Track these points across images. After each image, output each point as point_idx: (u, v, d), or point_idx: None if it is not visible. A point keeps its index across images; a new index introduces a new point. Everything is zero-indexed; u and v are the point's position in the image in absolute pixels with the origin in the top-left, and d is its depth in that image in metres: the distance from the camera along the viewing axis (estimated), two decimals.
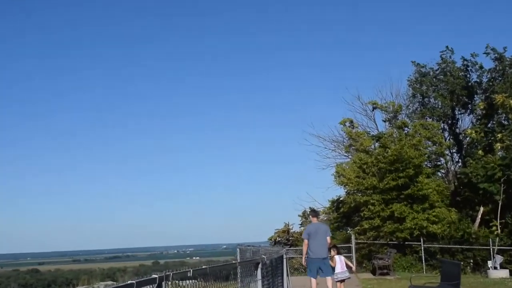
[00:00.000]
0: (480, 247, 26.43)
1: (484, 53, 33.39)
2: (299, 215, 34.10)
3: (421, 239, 26.55)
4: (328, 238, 14.66)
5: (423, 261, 26.41)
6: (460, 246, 26.96)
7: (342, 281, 15.23)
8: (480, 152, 30.48)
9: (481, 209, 28.93)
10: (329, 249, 15.37)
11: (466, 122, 35.52)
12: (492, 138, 30.69)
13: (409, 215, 27.40)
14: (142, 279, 4.50)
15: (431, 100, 35.20)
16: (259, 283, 8.13)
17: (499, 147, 29.60)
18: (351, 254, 26.80)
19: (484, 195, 28.62)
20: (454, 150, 35.31)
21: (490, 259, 23.99)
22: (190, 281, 6.24)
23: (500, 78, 33.14)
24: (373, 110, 36.00)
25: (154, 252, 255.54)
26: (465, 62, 34.21)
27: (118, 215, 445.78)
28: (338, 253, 15.65)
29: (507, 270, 22.70)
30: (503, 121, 32.10)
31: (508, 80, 32.15)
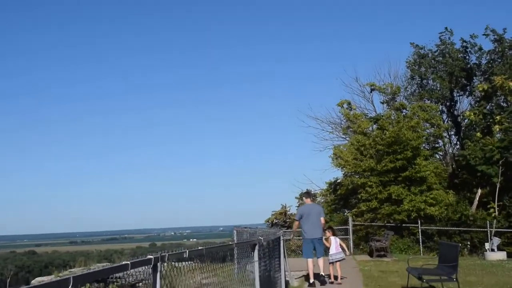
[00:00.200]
0: (477, 229, 26.41)
1: (483, 35, 33.25)
2: (296, 197, 34.06)
3: (419, 221, 26.51)
4: (322, 219, 14.74)
5: (421, 243, 26.39)
6: (457, 228, 26.93)
7: (336, 262, 15.15)
8: (478, 134, 30.36)
9: (479, 191, 28.90)
10: (325, 230, 15.45)
11: (464, 104, 35.49)
12: (490, 120, 30.57)
13: (406, 197, 27.37)
14: (137, 260, 4.39)
15: (429, 82, 35.07)
16: (256, 264, 8.02)
17: (497, 129, 29.49)
18: (348, 236, 26.81)
19: (482, 177, 28.58)
20: (452, 132, 35.22)
21: (487, 241, 23.95)
22: (187, 262, 6.14)
23: (499, 60, 33.00)
24: (371, 92, 35.89)
25: (151, 234, 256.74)
26: (464, 44, 34.02)
27: (114, 197, 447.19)
28: (334, 235, 15.58)
29: (505, 252, 22.67)
30: (501, 103, 31.94)
31: (508, 62, 32.01)
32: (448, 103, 34.92)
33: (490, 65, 33.30)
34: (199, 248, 5.94)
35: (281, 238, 12.39)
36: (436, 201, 27.47)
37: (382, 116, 32.32)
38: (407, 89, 35.88)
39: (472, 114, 31.20)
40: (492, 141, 28.74)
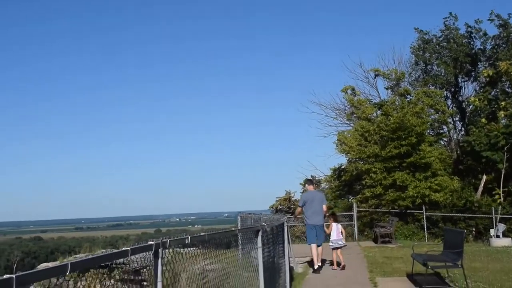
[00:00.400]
0: (482, 215, 26.36)
1: (488, 20, 32.98)
2: (300, 183, 33.96)
3: (423, 208, 26.44)
4: (324, 206, 15.04)
5: (425, 230, 26.34)
6: (462, 215, 26.87)
7: (337, 248, 15.30)
8: (483, 120, 30.25)
9: (484, 177, 28.82)
10: (327, 217, 15.65)
11: (469, 89, 35.30)
12: (495, 106, 30.44)
13: (411, 183, 27.28)
14: (138, 246, 4.31)
15: (434, 67, 34.84)
16: (259, 250, 7.97)
17: (502, 115, 29.38)
18: (352, 222, 26.78)
19: (487, 163, 28.51)
20: (457, 118, 35.06)
21: (492, 228, 23.88)
22: (191, 248, 6.10)
23: (504, 45, 32.75)
24: (375, 78, 35.73)
25: (156, 220, 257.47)
26: (469, 29, 33.76)
27: (119, 184, 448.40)
28: (336, 221, 15.78)
29: (510, 239, 22.59)
30: (507, 89, 31.79)
31: None
32: (452, 89, 34.71)
33: (495, 51, 33.06)
34: (202, 234, 5.88)
35: (285, 224, 12.34)
36: (441, 187, 27.37)
37: (387, 102, 32.17)
38: (412, 74, 35.70)
39: (477, 99, 31.05)
40: (497, 127, 28.62)
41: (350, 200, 31.14)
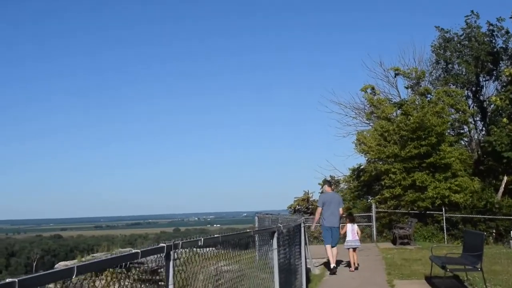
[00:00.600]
0: (503, 217, 25.99)
1: (510, 18, 32.41)
2: (319, 183, 33.77)
3: (443, 209, 26.12)
4: (341, 209, 15.21)
5: (445, 231, 26.02)
6: (482, 216, 26.49)
7: (353, 249, 15.35)
8: (504, 120, 29.80)
9: (505, 178, 28.41)
10: (345, 218, 16.24)
11: (490, 89, 34.76)
12: None
13: (431, 184, 26.98)
14: (149, 248, 4.22)
15: (455, 66, 34.40)
16: (275, 252, 7.87)
17: None
18: (371, 223, 26.60)
19: (508, 164, 28.13)
20: (478, 118, 34.56)
21: None
22: (209, 248, 6.04)
23: None
24: (395, 77, 35.39)
25: (175, 219, 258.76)
26: (491, 27, 33.25)
27: (139, 182, 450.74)
28: (351, 222, 15.86)
29: None
30: None
31: None
32: (473, 88, 34.26)
33: None
34: (215, 236, 5.80)
35: (302, 225, 12.23)
36: (461, 188, 27.03)
37: (407, 101, 31.87)
38: (432, 73, 35.33)
39: (498, 99, 30.62)
40: None
41: (369, 200, 30.89)
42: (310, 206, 30.73)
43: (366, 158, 31.59)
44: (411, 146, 27.67)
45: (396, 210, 27.95)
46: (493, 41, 33.40)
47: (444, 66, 34.67)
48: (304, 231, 12.83)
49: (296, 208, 31.84)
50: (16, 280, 2.48)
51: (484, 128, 34.09)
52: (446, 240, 25.59)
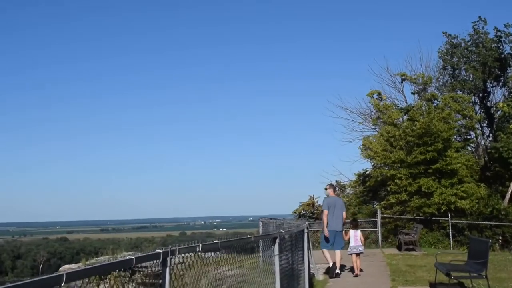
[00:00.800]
0: (509, 223, 25.87)
1: None
2: (324, 188, 33.66)
3: (449, 215, 25.99)
4: (344, 213, 15.40)
5: (450, 237, 25.88)
6: (489, 223, 26.34)
7: (356, 254, 15.32)
8: (511, 126, 29.69)
9: None
10: (349, 223, 15.79)
11: (498, 95, 34.60)
12: None
13: (436, 190, 26.84)
14: (144, 255, 4.15)
15: (462, 72, 34.24)
16: (276, 258, 7.81)
17: None
18: (376, 229, 26.46)
19: None
20: (485, 124, 34.38)
21: None
22: (214, 253, 6.02)
23: None
24: (402, 82, 35.29)
25: (181, 223, 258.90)
26: (498, 33, 33.08)
27: (145, 186, 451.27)
28: (355, 228, 15.85)
29: None
30: None
31: None
32: (481, 94, 34.09)
33: None
34: (214, 241, 5.73)
35: (305, 230, 12.16)
36: (467, 194, 26.87)
37: (413, 106, 31.78)
38: (439, 79, 35.20)
39: (505, 105, 30.50)
40: None
41: (374, 206, 30.76)
42: (315, 211, 30.67)
43: (372, 164, 31.49)
44: (417, 152, 27.56)
45: (402, 216, 27.82)
46: (501, 47, 33.23)
47: (451, 72, 34.53)
48: (308, 236, 12.77)
49: (301, 213, 31.79)
50: None
51: (491, 134, 33.92)
52: (452, 246, 25.45)
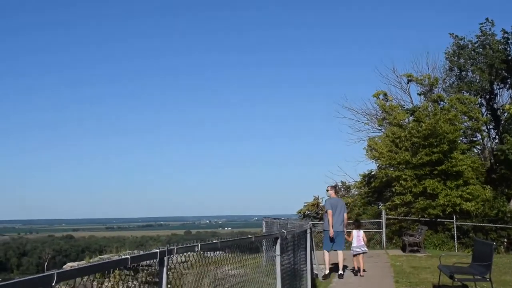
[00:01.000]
0: None
1: None
2: (327, 189, 33.57)
3: (454, 217, 25.87)
4: (345, 214, 15.40)
5: (455, 239, 25.75)
6: (494, 225, 26.21)
7: (358, 254, 15.38)
8: None
9: None
10: (352, 224, 15.81)
11: (504, 97, 34.43)
12: None
13: (442, 192, 26.73)
14: (139, 254, 4.08)
15: (468, 73, 34.08)
16: (278, 258, 7.77)
17: None
18: (381, 230, 26.39)
19: None
20: (491, 126, 34.21)
21: None
22: (219, 252, 5.99)
23: None
24: (408, 83, 35.20)
25: (186, 221, 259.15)
26: (506, 35, 32.90)
27: (150, 184, 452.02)
28: (357, 228, 15.93)
29: None
30: None
31: None
32: (487, 96, 33.94)
33: None
34: (214, 241, 5.69)
35: (308, 231, 12.10)
36: (473, 196, 26.74)
37: (419, 108, 31.66)
38: (446, 80, 35.05)
39: None
40: None
41: (379, 207, 30.66)
42: (319, 211, 30.60)
43: (377, 164, 31.40)
44: (422, 153, 27.46)
45: (407, 217, 27.73)
46: (508, 49, 33.05)
47: (457, 73, 34.38)
48: (311, 236, 12.73)
49: (305, 213, 31.71)
50: None
51: (497, 136, 33.76)
52: (456, 248, 25.34)
